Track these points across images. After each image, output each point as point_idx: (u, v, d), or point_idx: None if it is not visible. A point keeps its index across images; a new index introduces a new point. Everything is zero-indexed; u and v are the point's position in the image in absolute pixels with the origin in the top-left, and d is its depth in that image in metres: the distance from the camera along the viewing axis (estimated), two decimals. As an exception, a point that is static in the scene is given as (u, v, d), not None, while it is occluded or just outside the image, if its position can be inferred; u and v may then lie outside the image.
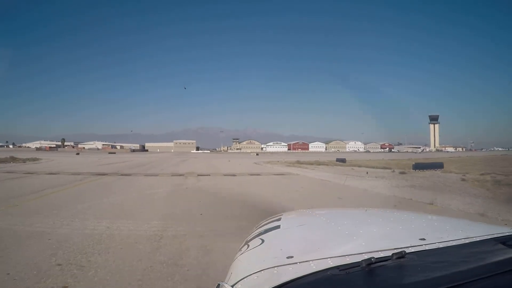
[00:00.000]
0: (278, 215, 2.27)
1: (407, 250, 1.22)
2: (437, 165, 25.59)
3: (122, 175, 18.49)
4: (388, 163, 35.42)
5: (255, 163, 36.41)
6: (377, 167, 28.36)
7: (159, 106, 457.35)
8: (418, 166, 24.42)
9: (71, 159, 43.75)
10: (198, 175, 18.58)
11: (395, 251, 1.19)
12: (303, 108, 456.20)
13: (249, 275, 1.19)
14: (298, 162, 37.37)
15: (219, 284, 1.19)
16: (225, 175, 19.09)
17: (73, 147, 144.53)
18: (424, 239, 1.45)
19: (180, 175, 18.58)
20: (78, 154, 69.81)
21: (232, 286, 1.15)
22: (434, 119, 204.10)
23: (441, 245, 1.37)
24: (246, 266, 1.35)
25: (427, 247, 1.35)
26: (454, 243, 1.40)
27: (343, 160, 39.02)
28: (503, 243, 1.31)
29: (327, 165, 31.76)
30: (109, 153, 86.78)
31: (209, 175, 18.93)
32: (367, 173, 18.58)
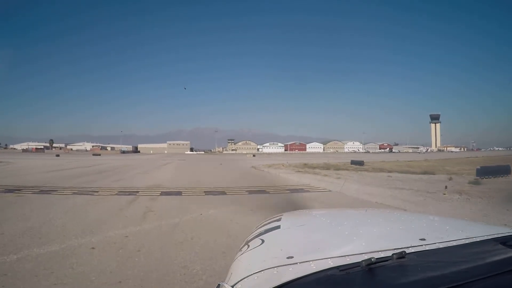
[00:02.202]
0: (279, 215, 2.19)
1: (407, 250, 1.21)
2: (503, 169, 18.75)
3: (40, 192, 11.24)
4: (415, 166, 28.97)
5: (253, 167, 29.17)
6: (415, 172, 21.40)
7: (154, 107, 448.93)
8: (484, 171, 17.37)
9: (40, 161, 38.28)
10: (162, 193, 11.31)
11: (395, 251, 1.17)
12: (300, 108, 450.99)
13: (249, 275, 1.17)
14: (307, 165, 30.26)
15: (219, 284, 1.16)
16: (207, 192, 11.84)
17: (60, 148, 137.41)
18: (424, 239, 1.42)
19: (133, 193, 11.28)
20: (58, 155, 65.30)
21: (232, 286, 1.11)
22: (435, 118, 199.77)
23: (441, 245, 1.35)
24: (246, 266, 1.32)
25: (427, 247, 1.33)
26: (454, 243, 1.37)
27: (360, 163, 31.87)
28: (503, 243, 1.29)
29: (347, 169, 24.69)
30: (93, 154, 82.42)
31: (180, 193, 11.53)
32: (446, 187, 11.48)
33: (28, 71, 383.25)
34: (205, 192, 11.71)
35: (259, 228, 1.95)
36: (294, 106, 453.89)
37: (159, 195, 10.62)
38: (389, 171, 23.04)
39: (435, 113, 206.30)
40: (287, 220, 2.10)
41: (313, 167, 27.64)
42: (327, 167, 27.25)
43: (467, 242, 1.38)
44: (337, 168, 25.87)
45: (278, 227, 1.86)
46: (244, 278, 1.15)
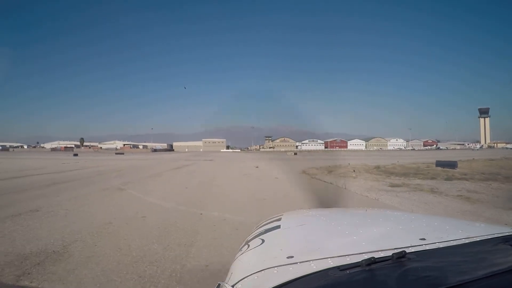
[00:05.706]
0: (279, 215, 2.12)
1: (408, 250, 1.18)
2: None
3: None
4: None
5: (305, 172, 18.74)
6: None
7: (191, 106, 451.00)
8: None
9: (39, 161, 32.84)
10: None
11: (395, 251, 1.15)
12: (338, 105, 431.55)
13: (249, 275, 1.15)
14: (379, 169, 19.61)
15: (219, 284, 1.15)
16: None
17: (89, 147, 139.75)
18: (424, 239, 1.39)
19: None
20: (76, 155, 59.57)
21: (233, 286, 1.10)
22: (484, 112, 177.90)
23: (441, 245, 1.32)
24: (247, 266, 1.30)
25: (427, 247, 1.30)
26: (454, 243, 1.34)
27: (452, 165, 20.55)
28: (504, 243, 1.26)
29: (464, 179, 13.76)
30: (116, 153, 79.13)
31: None
32: None
33: (68, 71, 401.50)
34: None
35: (259, 228, 1.91)
36: (332, 104, 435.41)
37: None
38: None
39: (484, 107, 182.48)
40: (287, 220, 2.05)
41: (397, 173, 17.01)
42: (423, 174, 16.47)
43: (467, 242, 1.35)
44: (447, 177, 14.95)
45: (278, 226, 1.82)
46: (244, 278, 1.14)
